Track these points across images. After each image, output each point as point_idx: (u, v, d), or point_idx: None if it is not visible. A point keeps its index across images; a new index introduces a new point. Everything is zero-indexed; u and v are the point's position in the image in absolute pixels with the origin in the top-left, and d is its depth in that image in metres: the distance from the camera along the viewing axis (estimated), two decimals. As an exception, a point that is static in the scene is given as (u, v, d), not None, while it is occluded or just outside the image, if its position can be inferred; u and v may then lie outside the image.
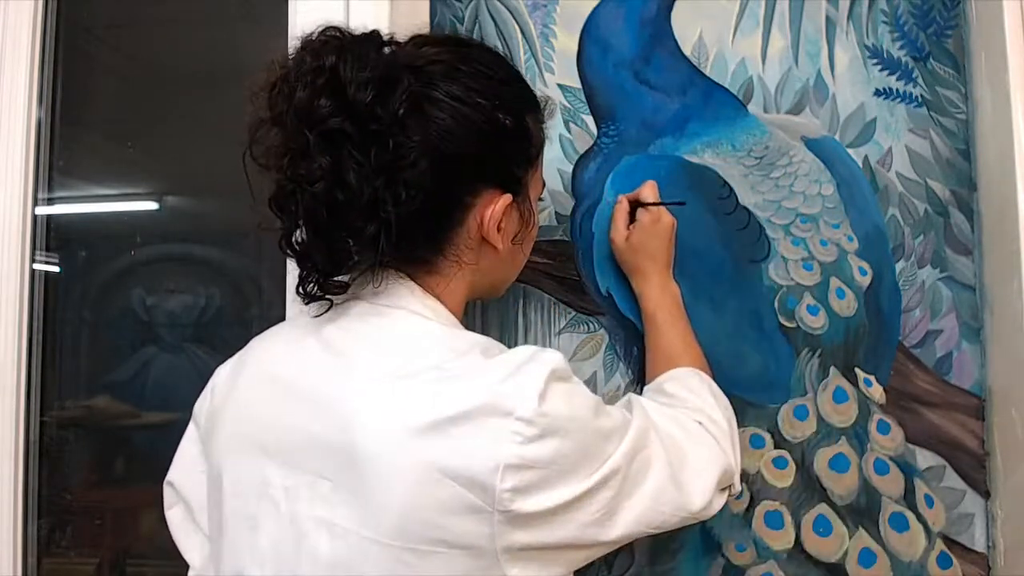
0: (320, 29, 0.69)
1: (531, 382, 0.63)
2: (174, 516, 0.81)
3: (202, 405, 0.80)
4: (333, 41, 0.67)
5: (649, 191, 0.99)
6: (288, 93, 0.66)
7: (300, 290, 0.72)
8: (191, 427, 0.82)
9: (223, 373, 0.79)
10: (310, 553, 0.64)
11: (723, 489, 0.80)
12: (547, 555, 0.63)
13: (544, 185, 0.85)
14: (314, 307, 0.74)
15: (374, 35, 0.70)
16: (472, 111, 0.70)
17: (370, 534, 0.61)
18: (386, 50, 0.70)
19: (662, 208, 0.98)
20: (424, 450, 0.61)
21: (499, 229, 0.74)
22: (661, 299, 0.97)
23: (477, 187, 0.73)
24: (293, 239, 0.71)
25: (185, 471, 0.80)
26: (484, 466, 0.60)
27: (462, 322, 0.76)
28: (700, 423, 0.81)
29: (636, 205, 1.00)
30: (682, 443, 0.75)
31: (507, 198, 0.74)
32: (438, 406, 0.62)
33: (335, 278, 0.72)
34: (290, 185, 0.66)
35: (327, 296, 0.72)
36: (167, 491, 0.82)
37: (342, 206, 0.66)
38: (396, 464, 0.61)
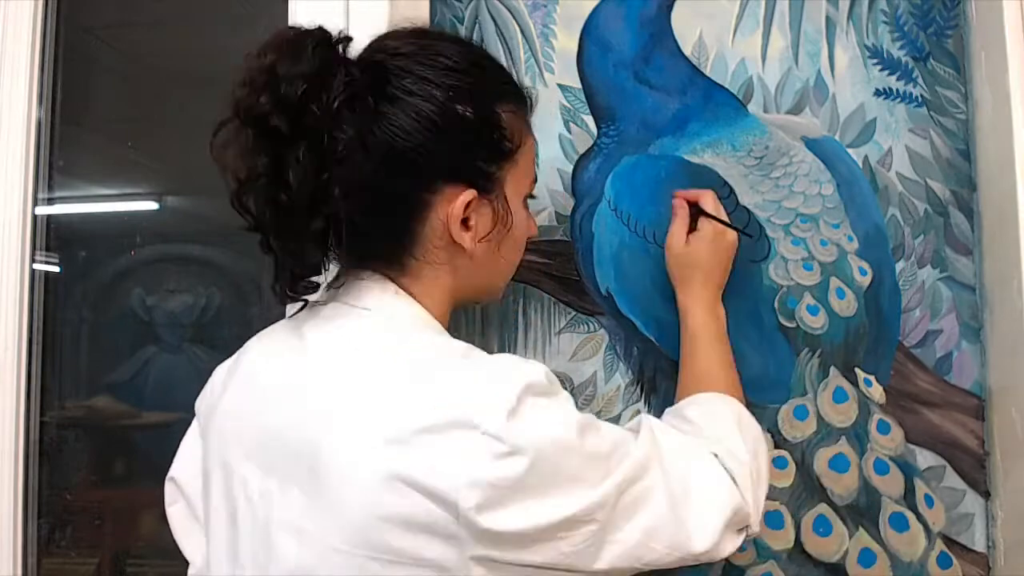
0: (273, 31, 0.68)
1: (502, 396, 0.59)
2: (175, 513, 0.81)
3: (201, 402, 0.80)
4: (275, 39, 0.66)
5: (712, 202, 0.95)
6: (234, 93, 0.65)
7: (273, 288, 0.71)
8: (194, 423, 0.82)
9: (221, 371, 0.79)
10: (278, 559, 0.63)
11: (739, 529, 0.73)
12: (524, 571, 0.60)
13: (534, 182, 0.80)
14: (296, 305, 0.73)
15: (316, 32, 0.67)
16: (423, 102, 0.67)
17: (334, 542, 0.60)
18: (342, 48, 0.68)
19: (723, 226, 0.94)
20: (388, 460, 0.59)
21: (467, 227, 0.71)
22: (707, 320, 0.91)
23: (435, 183, 0.69)
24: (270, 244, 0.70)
25: (186, 467, 0.80)
26: (447, 481, 0.57)
27: (448, 325, 0.75)
28: (716, 455, 0.74)
29: (697, 211, 0.96)
30: (688, 476, 0.69)
31: (469, 194, 0.70)
32: (404, 414, 0.60)
33: (307, 279, 0.71)
34: (239, 186, 0.66)
35: (299, 296, 0.71)
36: (169, 487, 0.81)
37: (286, 206, 0.64)
38: (358, 471, 0.59)
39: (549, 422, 0.61)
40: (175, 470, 0.81)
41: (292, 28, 0.68)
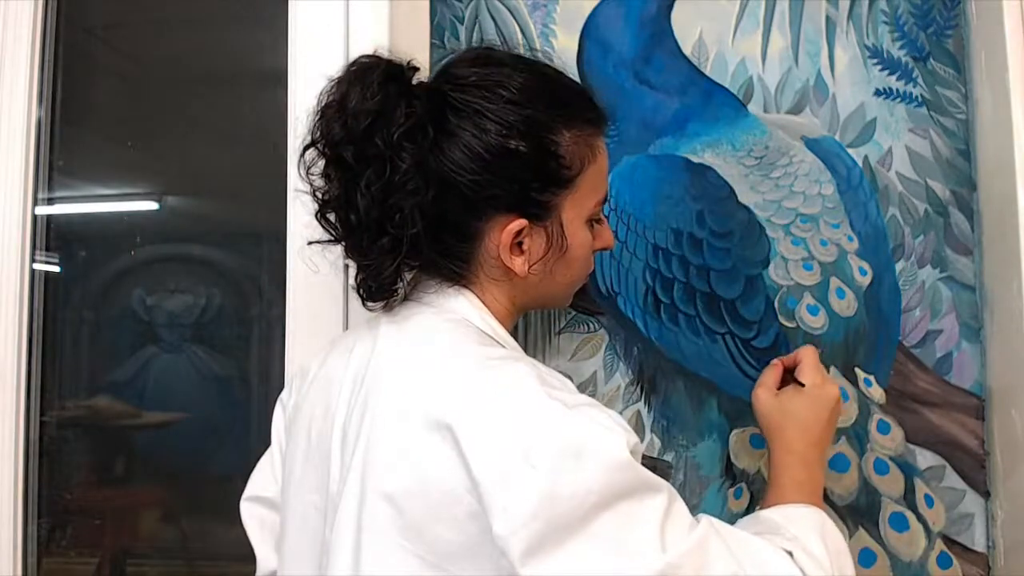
0: (354, 59, 0.73)
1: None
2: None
3: (288, 400, 0.85)
4: (347, 71, 0.72)
5: (809, 368, 0.85)
6: (316, 122, 0.72)
7: (357, 291, 0.77)
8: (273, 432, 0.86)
9: (312, 366, 0.82)
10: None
11: None
12: None
13: (603, 200, 0.79)
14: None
15: (384, 63, 0.72)
16: (474, 138, 0.70)
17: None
18: (408, 78, 0.72)
19: (827, 377, 0.85)
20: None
21: (520, 251, 0.73)
22: (794, 467, 0.80)
23: (486, 213, 0.72)
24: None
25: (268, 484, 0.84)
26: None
27: (511, 332, 0.77)
28: (790, 553, 0.67)
29: (791, 372, 0.88)
30: (755, 562, 0.64)
31: (519, 223, 0.72)
32: (460, 405, 0.63)
33: (384, 289, 0.75)
34: (321, 205, 0.74)
35: (376, 303, 0.76)
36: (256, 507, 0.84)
37: (356, 228, 0.71)
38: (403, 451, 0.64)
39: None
40: (258, 489, 0.84)
41: (364, 58, 0.73)
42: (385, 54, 0.74)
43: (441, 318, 0.74)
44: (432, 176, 0.69)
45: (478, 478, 0.59)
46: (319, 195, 0.74)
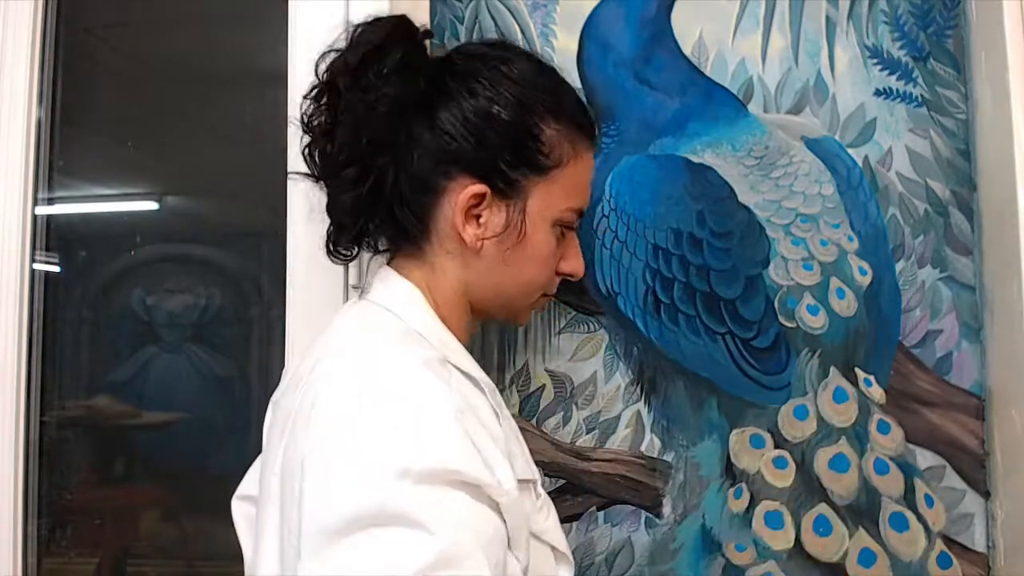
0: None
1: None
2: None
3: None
4: (374, 19, 0.76)
5: None
6: (324, 59, 0.75)
7: (326, 248, 0.80)
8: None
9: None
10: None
11: None
12: None
13: (579, 215, 0.79)
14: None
15: (402, 17, 0.76)
16: (464, 98, 0.73)
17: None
18: (423, 38, 0.77)
19: None
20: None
21: (477, 223, 0.74)
22: None
23: (451, 171, 0.73)
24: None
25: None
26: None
27: (461, 326, 0.77)
28: None
29: None
30: None
31: (477, 187, 0.72)
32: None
33: (345, 239, 0.78)
34: (310, 140, 0.76)
35: (337, 255, 0.80)
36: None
37: (329, 156, 0.74)
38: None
39: None
40: (246, 488, 0.84)
41: (381, 16, 0.77)
42: None
43: (365, 312, 0.75)
44: (411, 120, 0.73)
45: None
46: (309, 130, 0.76)
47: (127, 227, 1.22)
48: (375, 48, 0.72)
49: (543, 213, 0.75)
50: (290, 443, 0.64)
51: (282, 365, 1.00)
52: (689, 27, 1.09)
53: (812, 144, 1.08)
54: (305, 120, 0.76)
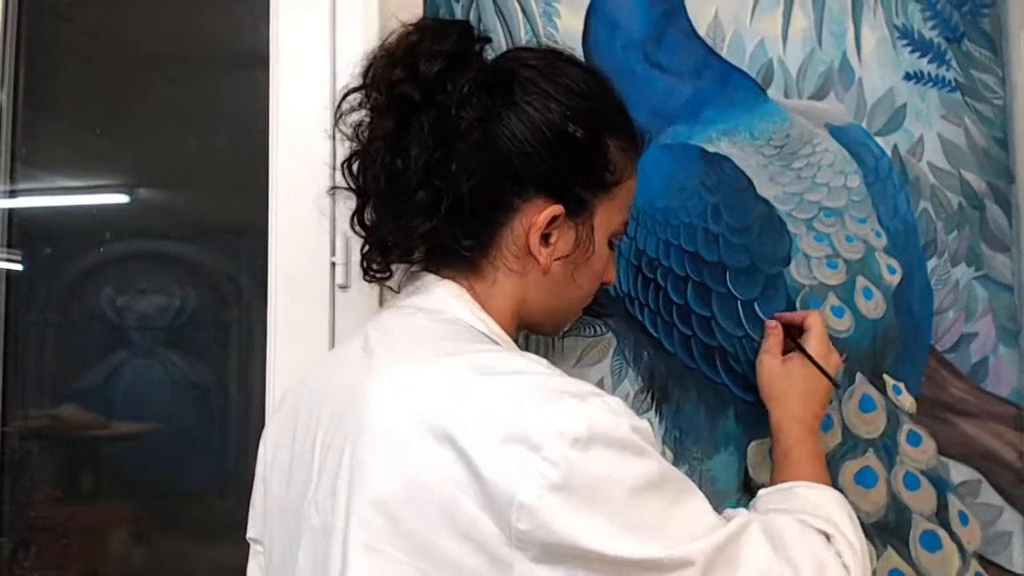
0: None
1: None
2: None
3: (266, 432, 0.83)
4: (421, 22, 0.76)
5: (815, 339, 0.91)
6: (372, 65, 0.75)
7: (362, 265, 0.80)
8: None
9: (289, 392, 0.82)
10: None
11: None
12: None
13: (626, 225, 0.82)
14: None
15: (461, 23, 0.76)
16: (538, 113, 0.73)
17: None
18: (479, 46, 0.76)
19: (832, 347, 0.91)
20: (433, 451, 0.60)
21: (547, 243, 0.74)
22: (803, 436, 0.86)
23: (528, 191, 0.73)
24: (364, 218, 0.78)
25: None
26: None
27: (513, 338, 0.77)
28: (827, 535, 0.72)
29: (793, 335, 0.94)
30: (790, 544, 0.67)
31: (556, 209, 0.73)
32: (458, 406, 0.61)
33: (393, 254, 0.78)
34: (359, 147, 0.76)
35: (375, 275, 0.80)
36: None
37: (399, 173, 0.72)
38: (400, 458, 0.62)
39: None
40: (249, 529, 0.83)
41: (437, 18, 0.81)
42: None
43: (430, 320, 0.73)
44: (488, 140, 0.72)
45: (487, 477, 0.58)
46: (353, 143, 0.76)
47: (95, 221, 1.20)
48: (449, 59, 0.72)
49: (603, 230, 0.78)
50: (392, 461, 0.62)
51: (263, 371, 1.00)
52: (704, 5, 1.07)
53: (837, 132, 1.06)
54: (353, 129, 0.76)
